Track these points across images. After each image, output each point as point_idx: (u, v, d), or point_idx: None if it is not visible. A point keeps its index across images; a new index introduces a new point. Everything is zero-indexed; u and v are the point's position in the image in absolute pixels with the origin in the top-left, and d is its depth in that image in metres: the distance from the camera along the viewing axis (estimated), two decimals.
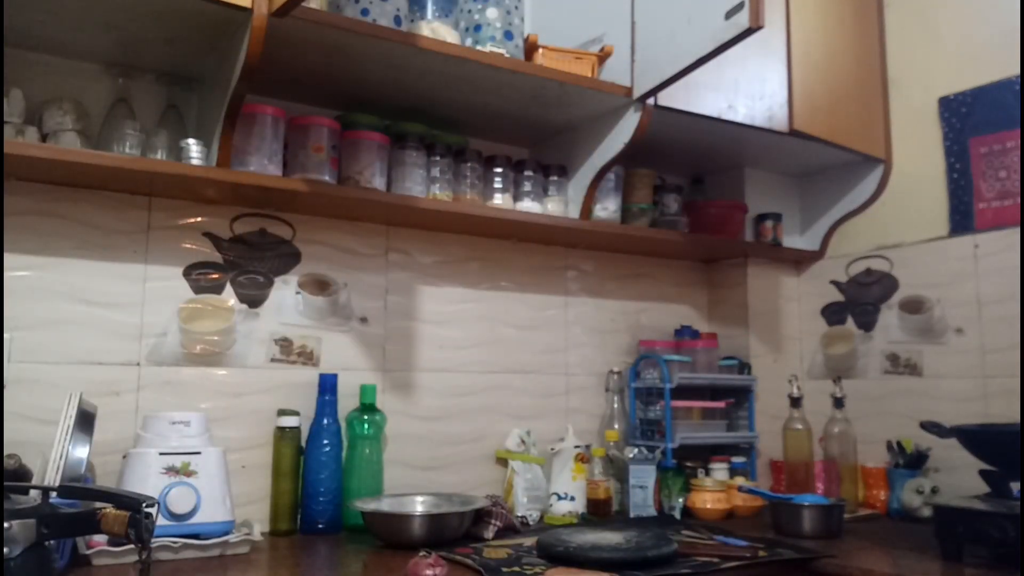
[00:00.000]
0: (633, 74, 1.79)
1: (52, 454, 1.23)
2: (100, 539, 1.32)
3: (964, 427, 1.67)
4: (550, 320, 2.13)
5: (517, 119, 1.94)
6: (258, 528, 1.53)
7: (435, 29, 1.66)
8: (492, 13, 1.78)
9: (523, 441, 1.97)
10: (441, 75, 1.68)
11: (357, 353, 1.85)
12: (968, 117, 2.03)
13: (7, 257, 1.51)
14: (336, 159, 1.69)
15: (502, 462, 1.97)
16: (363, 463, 1.73)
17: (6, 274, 1.51)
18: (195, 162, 1.52)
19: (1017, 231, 1.90)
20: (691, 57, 1.59)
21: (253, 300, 1.75)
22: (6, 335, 1.49)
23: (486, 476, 1.96)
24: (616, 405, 2.12)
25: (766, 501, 1.89)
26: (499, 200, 1.88)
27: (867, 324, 2.21)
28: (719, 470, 2.05)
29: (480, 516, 1.62)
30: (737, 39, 1.48)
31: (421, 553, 1.25)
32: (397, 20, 1.61)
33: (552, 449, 1.98)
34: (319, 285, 1.82)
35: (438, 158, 1.81)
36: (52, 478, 1.20)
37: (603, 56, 1.84)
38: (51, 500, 1.04)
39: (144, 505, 0.99)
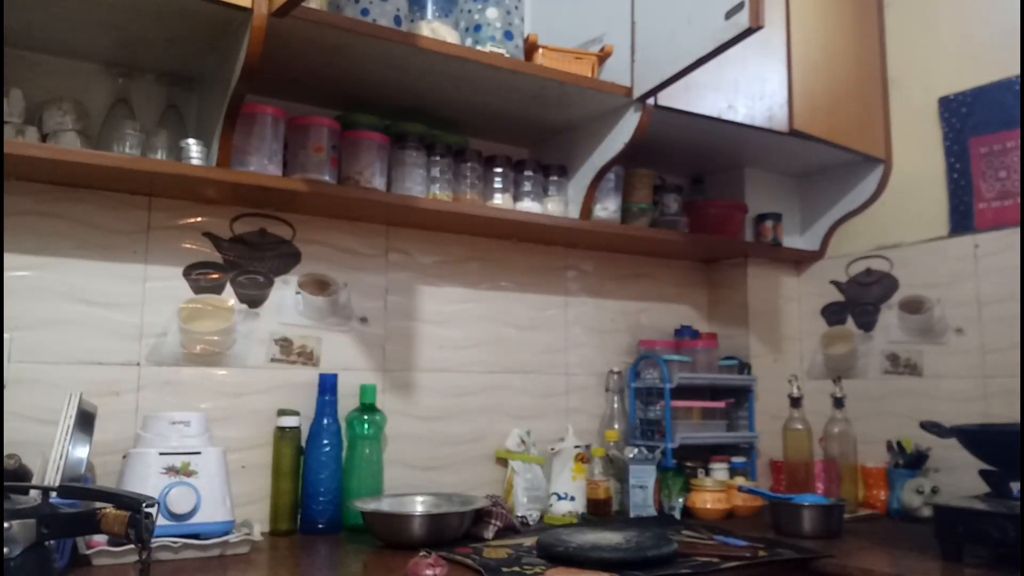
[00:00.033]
0: (633, 74, 1.79)
1: (52, 454, 1.23)
2: (100, 539, 1.32)
3: (964, 427, 1.66)
4: (550, 320, 2.13)
5: (517, 119, 1.94)
6: (258, 528, 1.53)
7: (435, 29, 1.66)
8: (492, 13, 1.78)
9: (523, 441, 1.97)
10: (441, 75, 1.68)
11: (357, 353, 1.85)
12: (968, 117, 2.03)
13: (7, 257, 1.51)
14: (336, 159, 1.69)
15: (502, 462, 1.97)
16: (363, 463, 1.73)
17: (6, 274, 1.51)
18: (195, 162, 1.52)
19: (1017, 231, 1.90)
20: (691, 57, 1.59)
21: (253, 300, 1.75)
22: (6, 335, 1.49)
23: (486, 476, 1.96)
24: (616, 405, 2.12)
25: (766, 501, 1.89)
26: (499, 200, 1.88)
27: (867, 324, 2.21)
28: (719, 470, 2.05)
29: (480, 516, 1.62)
30: (737, 39, 1.48)
31: (421, 553, 1.25)
32: (397, 20, 1.61)
33: (552, 449, 1.98)
34: (319, 285, 1.82)
35: (438, 158, 1.81)
36: (52, 478, 1.20)
37: (603, 56, 1.84)
38: (51, 500, 1.04)
39: (144, 505, 0.99)
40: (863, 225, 2.27)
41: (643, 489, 1.91)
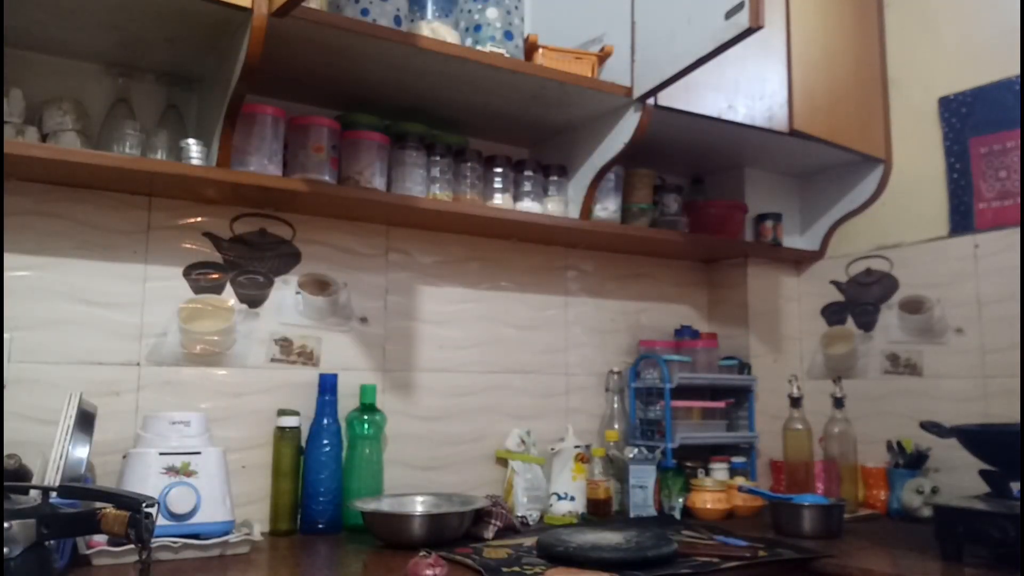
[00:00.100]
0: (633, 74, 1.79)
1: (52, 454, 1.23)
2: (100, 539, 1.32)
3: (964, 427, 1.66)
4: (550, 320, 2.13)
5: (517, 119, 1.94)
6: (258, 528, 1.53)
7: (435, 29, 1.66)
8: (492, 13, 1.78)
9: (523, 441, 1.97)
10: (441, 75, 1.68)
11: (357, 353, 1.85)
12: (968, 117, 2.03)
13: (7, 257, 1.51)
14: (336, 159, 1.69)
15: (502, 462, 1.97)
16: (363, 463, 1.73)
17: (6, 274, 1.51)
18: (195, 162, 1.52)
19: (1017, 231, 1.90)
20: (691, 57, 1.59)
21: (253, 300, 1.75)
22: (6, 335, 1.49)
23: (486, 476, 1.96)
24: (616, 405, 2.12)
25: (766, 501, 1.89)
26: (499, 200, 1.88)
27: (867, 324, 2.21)
28: (719, 470, 2.05)
29: (480, 516, 1.62)
30: (737, 39, 1.48)
31: (421, 553, 1.25)
32: (397, 20, 1.61)
33: (552, 449, 1.98)
34: (319, 285, 1.82)
35: (438, 158, 1.81)
36: (52, 478, 1.20)
37: (603, 56, 1.84)
38: (51, 500, 1.04)
39: (144, 505, 0.99)
40: (863, 225, 2.27)
41: (643, 489, 1.91)
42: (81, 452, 1.26)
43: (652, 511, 1.91)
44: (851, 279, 2.28)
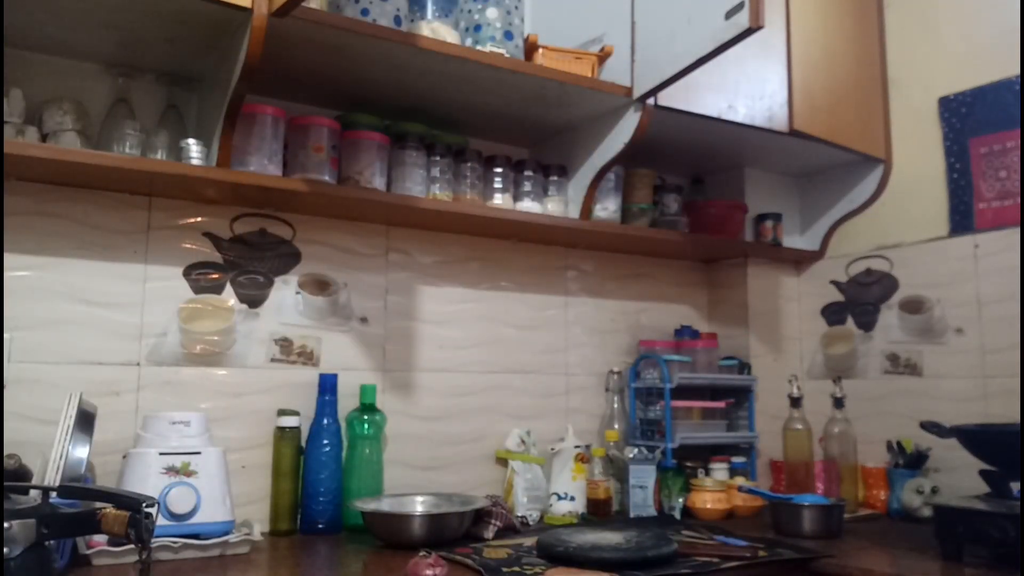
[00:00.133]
0: (633, 74, 1.79)
1: (52, 454, 1.23)
2: (100, 539, 1.32)
3: (964, 427, 1.66)
4: (550, 320, 2.13)
5: (517, 119, 1.94)
6: (258, 528, 1.53)
7: (435, 29, 1.66)
8: (492, 13, 1.78)
9: (523, 441, 1.97)
10: (441, 75, 1.68)
11: (357, 353, 1.85)
12: (968, 117, 2.03)
13: (7, 257, 1.51)
14: (336, 159, 1.69)
15: (502, 462, 1.97)
16: (363, 463, 1.73)
17: (6, 274, 1.51)
18: (195, 162, 1.52)
19: (1017, 231, 1.90)
20: (691, 57, 1.59)
21: (253, 300, 1.75)
22: (6, 335, 1.49)
23: (486, 476, 1.96)
24: (616, 405, 2.12)
25: (766, 501, 1.89)
26: (499, 200, 1.88)
27: (867, 324, 2.21)
28: (719, 470, 2.05)
29: (480, 516, 1.62)
30: (737, 39, 1.48)
31: (421, 553, 1.25)
32: (397, 20, 1.61)
33: (552, 449, 1.98)
34: (319, 285, 1.82)
35: (438, 158, 1.81)
36: (52, 478, 1.20)
37: (603, 56, 1.84)
38: (51, 500, 1.04)
39: (144, 505, 0.99)
40: (863, 225, 2.27)
41: (643, 489, 1.91)
42: (81, 452, 1.26)
43: (652, 511, 1.91)
44: (851, 279, 2.28)
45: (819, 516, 1.69)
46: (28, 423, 1.49)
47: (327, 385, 1.73)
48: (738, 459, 2.10)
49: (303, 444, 1.70)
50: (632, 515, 1.90)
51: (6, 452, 1.36)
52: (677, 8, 1.63)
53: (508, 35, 1.79)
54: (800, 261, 2.40)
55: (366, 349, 1.86)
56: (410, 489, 1.81)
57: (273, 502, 1.66)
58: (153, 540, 1.03)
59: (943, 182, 2.07)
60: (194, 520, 1.41)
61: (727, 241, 2.23)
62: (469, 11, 1.80)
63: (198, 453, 1.46)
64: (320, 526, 1.64)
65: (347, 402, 1.76)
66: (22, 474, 1.36)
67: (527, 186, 1.92)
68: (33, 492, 1.06)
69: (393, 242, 1.92)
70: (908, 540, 1.65)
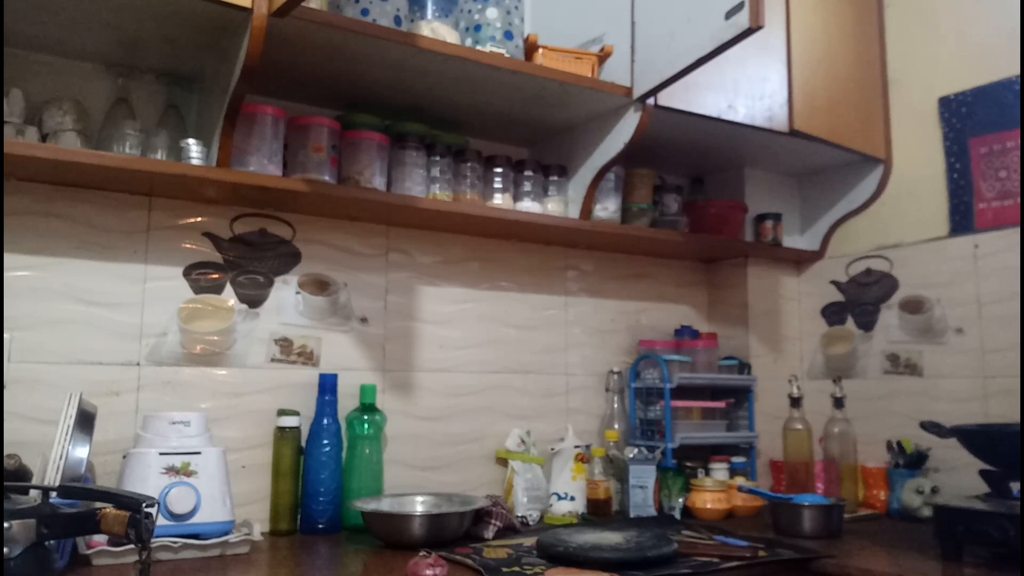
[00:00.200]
0: (633, 74, 1.79)
1: (52, 454, 1.23)
2: (100, 539, 1.32)
3: (964, 427, 1.66)
4: (550, 320, 2.13)
5: (517, 119, 1.94)
6: (258, 528, 1.53)
7: (435, 29, 1.66)
8: (492, 13, 1.78)
9: (523, 441, 1.97)
10: (441, 75, 1.68)
11: (357, 353, 1.85)
12: (968, 117, 2.03)
13: (7, 257, 1.51)
14: (336, 159, 1.69)
15: (502, 462, 1.97)
16: (363, 463, 1.73)
17: (6, 274, 1.51)
18: (195, 162, 1.52)
19: (1017, 231, 1.90)
20: (691, 57, 1.59)
21: (253, 300, 1.75)
22: (6, 335, 1.49)
23: (486, 476, 1.96)
24: (616, 405, 2.12)
25: (766, 501, 1.89)
26: (499, 200, 1.89)
27: (867, 324, 2.21)
28: (719, 470, 2.05)
29: (480, 516, 1.62)
30: (737, 39, 1.48)
31: (421, 553, 1.25)
32: (397, 20, 1.61)
33: (552, 449, 1.98)
34: (319, 285, 1.82)
35: (438, 158, 1.81)
36: (52, 478, 1.20)
37: (603, 56, 1.84)
38: (51, 500, 1.04)
39: (144, 505, 0.99)
40: (863, 225, 2.27)
41: (643, 489, 1.91)
42: (81, 452, 1.26)
43: (652, 511, 1.91)
44: (851, 279, 2.28)
45: (819, 516, 1.69)
46: (28, 423, 1.49)
47: (327, 385, 1.73)
48: (738, 459, 2.11)
49: (303, 444, 1.70)
50: (632, 515, 1.90)
51: (6, 452, 1.36)
52: (677, 8, 1.63)
53: (508, 35, 1.79)
54: (800, 261, 2.40)
55: (366, 349, 1.86)
56: (410, 489, 1.81)
57: (273, 502, 1.66)
58: (153, 540, 1.04)
59: (943, 182, 2.07)
60: (194, 520, 1.41)
61: (727, 241, 2.23)
62: (469, 11, 1.80)
63: (198, 453, 1.46)
64: (320, 526, 1.64)
65: (347, 402, 1.76)
66: (22, 474, 1.36)
67: (527, 186, 1.92)
68: (33, 492, 1.06)
69: (393, 242, 1.92)
70: (908, 540, 1.65)
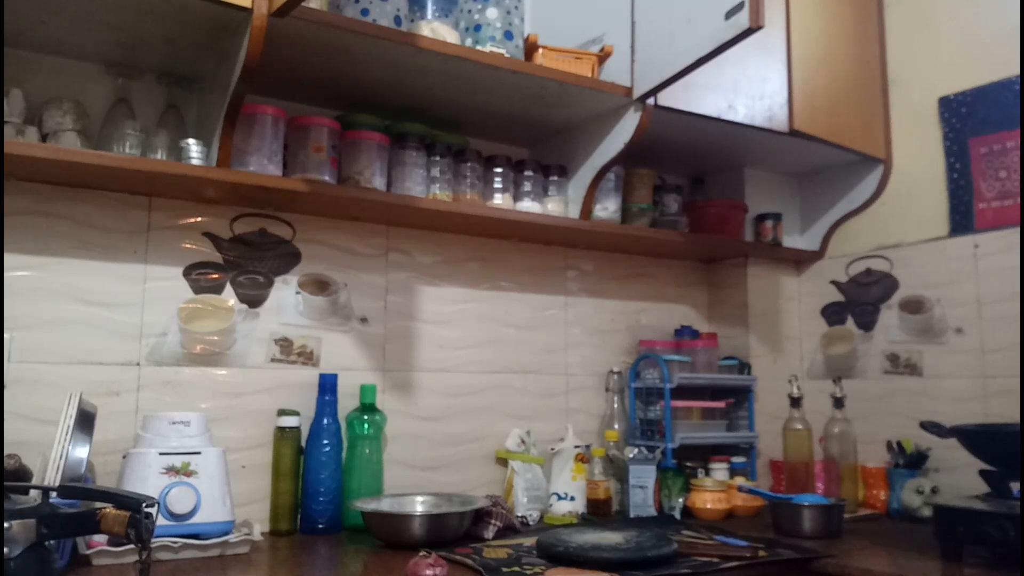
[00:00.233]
0: (633, 74, 1.79)
1: (52, 454, 1.23)
2: (100, 539, 1.32)
3: (964, 427, 1.66)
4: (550, 320, 2.13)
5: (517, 119, 1.94)
6: (258, 528, 1.53)
7: (435, 29, 1.66)
8: (492, 13, 1.78)
9: (523, 441, 1.97)
10: (441, 75, 1.68)
11: (357, 353, 1.85)
12: (968, 117, 2.03)
13: (7, 257, 1.51)
14: (336, 159, 1.69)
15: (502, 462, 1.97)
16: (363, 463, 1.73)
17: (6, 274, 1.51)
18: (195, 162, 1.52)
19: (1017, 231, 1.90)
20: (691, 57, 1.59)
21: (253, 300, 1.75)
22: (6, 335, 1.49)
23: (486, 476, 1.96)
24: (616, 405, 2.12)
25: (766, 501, 1.89)
26: (499, 200, 1.89)
27: (867, 324, 2.21)
28: (719, 470, 2.05)
29: (480, 516, 1.62)
30: (737, 39, 1.48)
31: (421, 553, 1.25)
32: (397, 20, 1.61)
33: (552, 449, 1.98)
34: (319, 285, 1.82)
35: (438, 158, 1.81)
36: (52, 478, 1.20)
37: (603, 56, 1.84)
38: (51, 500, 1.04)
39: (144, 505, 0.99)
40: (863, 225, 2.27)
41: (643, 489, 1.91)
42: (81, 452, 1.26)
43: (652, 511, 1.91)
44: (851, 279, 2.28)
45: (819, 516, 1.69)
46: (28, 423, 1.49)
47: (327, 385, 1.73)
48: (738, 459, 2.11)
49: (303, 444, 1.70)
50: (632, 515, 1.90)
51: (6, 452, 1.36)
52: (677, 8, 1.63)
53: (508, 35, 1.79)
54: (800, 261, 2.40)
55: (366, 349, 1.86)
56: (410, 489, 1.81)
57: (273, 502, 1.66)
58: (153, 540, 1.03)
59: (943, 182, 2.07)
60: (194, 520, 1.41)
61: (727, 241, 2.23)
62: (469, 11, 1.80)
63: (198, 453, 1.46)
64: (320, 526, 1.64)
65: (347, 402, 1.76)
66: (22, 474, 1.36)
67: (527, 186, 1.92)
68: (33, 492, 1.06)
69: (393, 242, 1.92)
70: (908, 540, 1.65)
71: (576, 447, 1.96)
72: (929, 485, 1.88)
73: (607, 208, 2.00)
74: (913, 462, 1.97)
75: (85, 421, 1.30)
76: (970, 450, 1.62)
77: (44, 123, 1.50)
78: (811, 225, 2.40)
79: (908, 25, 2.20)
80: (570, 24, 1.95)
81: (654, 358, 2.10)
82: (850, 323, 2.26)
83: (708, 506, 1.92)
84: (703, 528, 1.77)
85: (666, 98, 1.83)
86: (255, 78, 1.43)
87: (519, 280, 2.09)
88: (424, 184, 1.78)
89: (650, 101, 1.81)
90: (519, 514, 1.82)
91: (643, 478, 1.91)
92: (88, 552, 1.31)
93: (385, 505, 1.66)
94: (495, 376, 2.02)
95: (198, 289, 1.69)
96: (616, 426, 2.09)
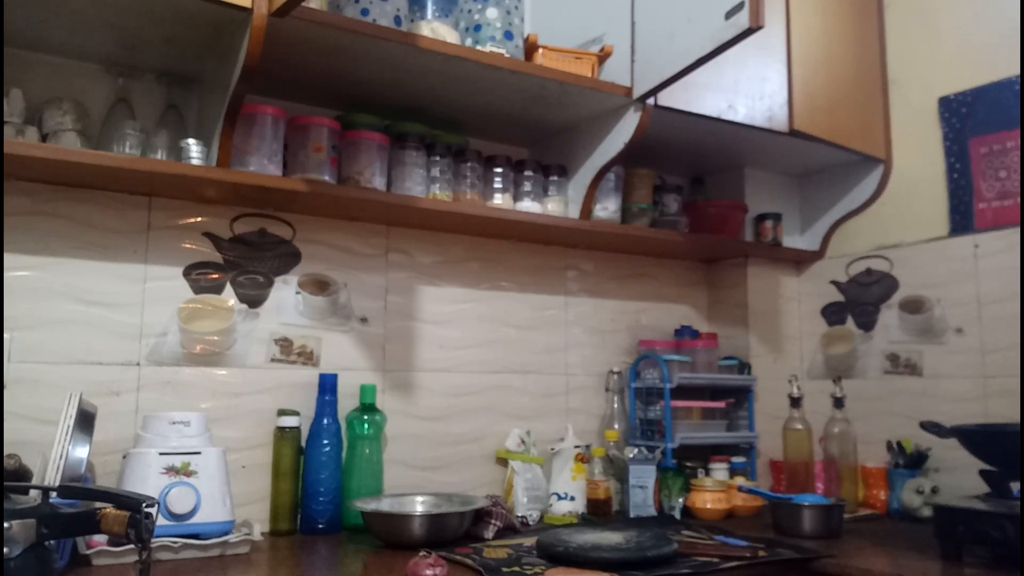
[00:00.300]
0: (633, 74, 1.79)
1: (52, 454, 1.23)
2: (100, 539, 1.32)
3: (964, 427, 1.67)
4: (550, 320, 2.13)
5: (517, 119, 1.94)
6: (258, 528, 1.53)
7: (435, 29, 1.66)
8: (492, 13, 1.78)
9: (523, 441, 1.97)
10: (441, 75, 1.68)
11: (357, 353, 1.85)
12: (968, 117, 2.03)
13: (7, 257, 1.51)
14: (336, 159, 1.69)
15: (502, 462, 1.97)
16: (363, 463, 1.73)
17: (6, 274, 1.51)
18: (195, 162, 1.51)
19: (1017, 231, 1.90)
20: (691, 57, 1.59)
21: (253, 300, 1.75)
22: (6, 335, 1.49)
23: (486, 476, 1.96)
24: (616, 405, 2.12)
25: (766, 501, 1.89)
26: (499, 200, 1.89)
27: (867, 324, 2.21)
28: (719, 470, 2.05)
29: (480, 516, 1.62)
30: (737, 39, 1.48)
31: (421, 553, 1.25)
32: (397, 20, 1.61)
33: (552, 449, 1.98)
34: (319, 285, 1.82)
35: (438, 158, 1.81)
36: (52, 478, 1.20)
37: (603, 56, 1.84)
38: (51, 500, 1.04)
39: (144, 505, 0.99)
40: (863, 225, 2.27)
41: (643, 489, 1.91)
42: (81, 452, 1.26)
43: (652, 511, 1.91)
44: (851, 279, 2.28)
45: (819, 516, 1.69)
46: (28, 423, 1.49)
47: (327, 385, 1.73)
48: (738, 459, 2.11)
49: (303, 444, 1.70)
50: (632, 515, 1.90)
51: (6, 452, 1.36)
52: (677, 8, 1.63)
53: (508, 35, 1.79)
54: (800, 261, 2.40)
55: (366, 349, 1.86)
56: (410, 489, 1.81)
57: (273, 502, 1.66)
58: (153, 540, 1.03)
59: (943, 182, 2.07)
60: (194, 520, 1.41)
61: (727, 241, 2.23)
62: (469, 11, 1.80)
63: (198, 453, 1.46)
64: (320, 526, 1.64)
65: (347, 402, 1.76)
66: (22, 474, 1.36)
67: (527, 186, 1.92)
68: (33, 492, 1.06)
69: (393, 242, 1.92)
70: (908, 540, 1.65)
71: (576, 447, 1.96)
72: (929, 485, 1.88)
73: (607, 208, 2.00)
74: (913, 462, 1.97)
75: (85, 421, 1.30)
76: (970, 450, 1.62)
77: (44, 123, 1.50)
78: (811, 225, 2.40)
79: (908, 25, 2.20)
80: (570, 24, 1.96)
81: (654, 358, 2.10)
82: (850, 323, 2.26)
83: (708, 506, 1.92)
84: (703, 528, 1.77)
85: (666, 98, 1.83)
86: (255, 78, 1.43)
87: (519, 280, 2.09)
88: (424, 184, 1.78)
89: (650, 101, 1.81)
90: (519, 514, 1.82)
91: (643, 478, 1.91)
92: (88, 552, 1.31)
93: (385, 505, 1.66)
94: (495, 376, 2.02)
95: (198, 289, 1.69)
96: (616, 426, 2.09)
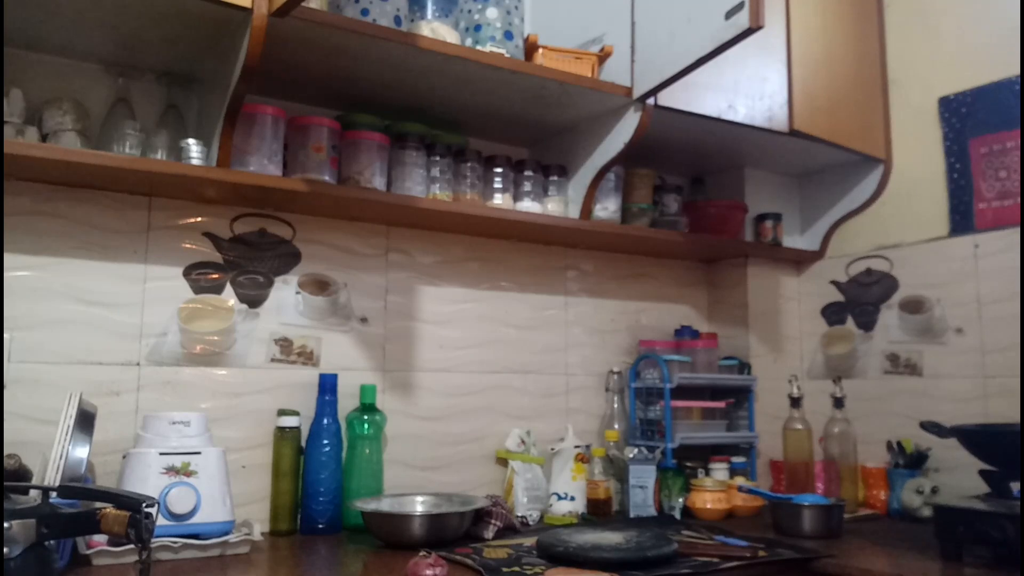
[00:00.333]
0: (633, 74, 1.79)
1: (52, 454, 1.23)
2: (100, 539, 1.32)
3: (964, 427, 1.67)
4: (550, 320, 2.13)
5: (517, 119, 1.94)
6: (258, 528, 1.53)
7: (435, 29, 1.66)
8: (492, 13, 1.78)
9: (523, 441, 1.97)
10: (441, 75, 1.68)
11: (357, 353, 1.85)
12: (968, 117, 2.03)
13: (7, 257, 1.51)
14: (336, 159, 1.69)
15: (502, 462, 1.97)
16: (363, 463, 1.73)
17: (6, 274, 1.51)
18: (195, 162, 1.51)
19: (1017, 231, 1.90)
20: (691, 57, 1.59)
21: (253, 300, 1.75)
22: (6, 335, 1.49)
23: (486, 476, 1.96)
24: (616, 405, 2.12)
25: (766, 501, 1.89)
26: (499, 200, 1.89)
27: (867, 324, 2.21)
28: (719, 470, 2.05)
29: (480, 516, 1.62)
30: (737, 39, 1.48)
31: (421, 553, 1.25)
32: (397, 20, 1.61)
33: (552, 449, 1.98)
34: (319, 285, 1.82)
35: (438, 158, 1.81)
36: (52, 478, 1.20)
37: (603, 56, 1.84)
38: (51, 500, 1.04)
39: (144, 505, 0.99)
40: (863, 225, 2.27)
41: (643, 489, 1.91)
42: (81, 452, 1.26)
43: (652, 511, 1.91)
44: (851, 279, 2.28)
45: (819, 516, 1.69)
46: (28, 423, 1.49)
47: (327, 385, 1.73)
48: (738, 459, 2.11)
49: (303, 444, 1.70)
50: (632, 515, 1.90)
51: (6, 452, 1.36)
52: (677, 8, 1.63)
53: (508, 35, 1.79)
54: (800, 261, 2.40)
55: (366, 349, 1.86)
56: (410, 489, 1.81)
57: (273, 502, 1.66)
58: (153, 540, 1.03)
59: (943, 182, 2.07)
60: (194, 520, 1.41)
61: (727, 241, 2.23)
62: (469, 11, 1.80)
63: (198, 453, 1.46)
64: (320, 526, 1.64)
65: (347, 402, 1.76)
66: (22, 474, 1.36)
67: (527, 186, 1.92)
68: (33, 492, 1.06)
69: (393, 242, 1.92)
70: (908, 540, 1.65)
71: (576, 447, 1.96)
72: (929, 485, 1.88)
73: (607, 208, 2.00)
74: (913, 462, 1.97)
75: (85, 421, 1.30)
76: (970, 450, 1.62)
77: (44, 123, 1.50)
78: (811, 225, 2.40)
79: (908, 25, 2.20)
80: (570, 24, 1.96)
81: (654, 358, 2.10)
82: (850, 323, 2.26)
83: (708, 506, 1.92)
84: (703, 528, 1.77)
85: (666, 98, 1.83)
86: (255, 78, 1.43)
87: (519, 280, 2.09)
88: (424, 184, 1.78)
89: (650, 101, 1.81)
90: (519, 514, 1.82)
91: (643, 478, 1.91)
92: (88, 552, 1.31)
93: (385, 505, 1.66)
94: (495, 376, 2.02)
95: (198, 289, 1.69)
96: (616, 426, 2.09)
